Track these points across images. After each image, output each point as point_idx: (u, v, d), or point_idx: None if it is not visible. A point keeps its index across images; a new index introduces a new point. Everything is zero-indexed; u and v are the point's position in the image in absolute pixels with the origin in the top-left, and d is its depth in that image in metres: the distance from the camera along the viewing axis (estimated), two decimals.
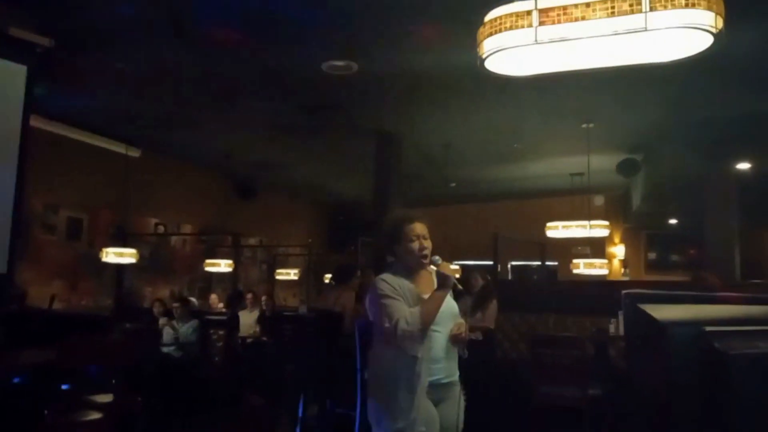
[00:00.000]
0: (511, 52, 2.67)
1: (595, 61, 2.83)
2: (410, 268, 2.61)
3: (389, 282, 2.53)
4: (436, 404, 2.51)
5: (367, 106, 6.98)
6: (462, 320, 2.66)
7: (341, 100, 6.69)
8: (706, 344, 1.05)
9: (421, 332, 2.41)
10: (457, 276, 2.67)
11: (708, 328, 1.07)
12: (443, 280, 2.55)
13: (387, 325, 2.43)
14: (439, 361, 2.53)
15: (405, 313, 2.42)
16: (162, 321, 7.06)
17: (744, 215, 8.25)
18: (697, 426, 1.01)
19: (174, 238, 10.01)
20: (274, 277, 11.98)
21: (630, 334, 1.05)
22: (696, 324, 1.07)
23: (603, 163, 8.58)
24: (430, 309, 2.46)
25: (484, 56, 2.73)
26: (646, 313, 1.04)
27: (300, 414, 5.42)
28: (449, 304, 2.60)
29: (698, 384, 1.03)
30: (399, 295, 2.49)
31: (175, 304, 7.17)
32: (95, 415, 3.48)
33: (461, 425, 2.61)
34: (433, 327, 2.48)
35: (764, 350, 1.11)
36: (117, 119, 7.65)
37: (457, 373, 2.63)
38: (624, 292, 1.05)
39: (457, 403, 2.59)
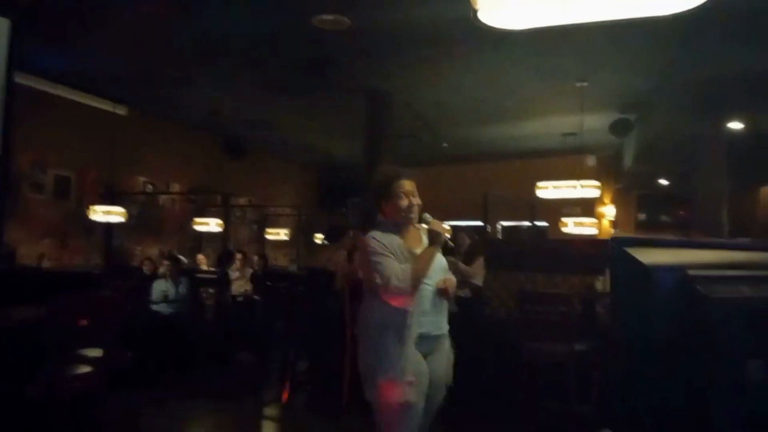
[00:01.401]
0: (505, 4, 2.61)
1: (592, 14, 2.77)
2: (399, 225, 2.61)
3: (379, 239, 2.53)
4: (425, 356, 2.53)
5: (358, 63, 6.87)
6: (451, 275, 2.67)
7: (331, 56, 6.59)
8: (689, 287, 1.05)
9: (412, 288, 2.42)
10: (448, 235, 2.68)
11: (692, 272, 1.08)
12: (434, 237, 2.55)
13: (378, 281, 2.44)
14: (428, 314, 2.55)
15: (396, 270, 2.43)
16: (162, 269, 7.07)
17: (734, 175, 8.29)
18: (678, 365, 1.02)
19: (163, 198, 9.95)
20: (264, 237, 12.00)
21: (616, 277, 1.05)
22: (680, 268, 1.08)
23: (596, 123, 8.55)
24: (421, 266, 2.48)
25: (477, 8, 2.67)
26: (633, 257, 1.04)
27: (290, 370, 5.49)
28: (438, 258, 2.61)
29: (681, 325, 1.04)
30: (389, 252, 2.49)
31: (166, 262, 7.17)
32: (85, 369, 3.51)
33: (450, 377, 2.65)
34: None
35: (745, 294, 1.12)
36: (104, 76, 7.51)
37: (447, 327, 2.65)
38: (612, 235, 1.06)
39: (446, 356, 2.63)
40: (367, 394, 2.54)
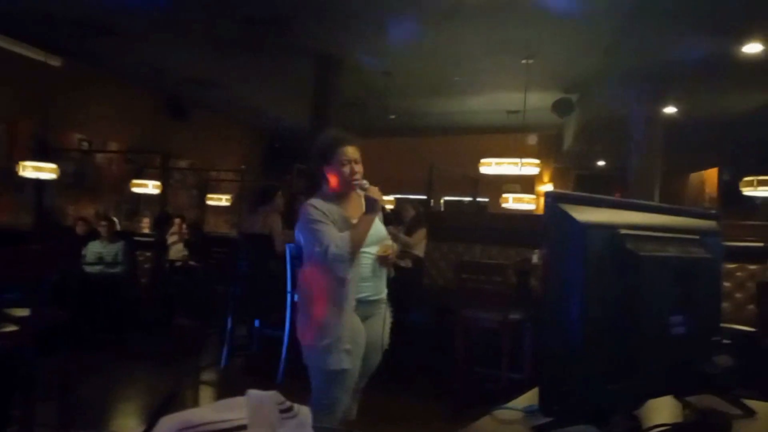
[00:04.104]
0: None
1: None
2: (340, 192, 2.59)
3: (319, 207, 2.51)
4: (363, 320, 2.56)
5: (307, 24, 6.73)
6: (390, 242, 2.69)
7: (280, 15, 6.43)
8: (620, 245, 1.09)
9: (350, 256, 2.43)
10: (390, 207, 2.68)
11: (623, 231, 1.12)
12: (371, 204, 2.54)
13: (317, 249, 2.44)
14: (367, 279, 2.57)
15: (335, 238, 2.43)
16: (101, 230, 6.83)
17: (667, 158, 8.64)
18: (606, 319, 1.07)
19: (100, 156, 9.58)
20: (204, 202, 11.74)
21: (549, 232, 1.08)
22: (612, 227, 1.12)
23: (539, 102, 8.70)
24: (359, 233, 2.48)
25: None
26: (566, 213, 1.07)
27: (228, 334, 5.45)
28: (378, 227, 2.61)
29: (610, 281, 1.08)
30: (329, 220, 2.49)
31: (103, 223, 6.94)
32: (11, 328, 3.37)
33: (387, 341, 2.69)
34: (362, 249, 2.51)
35: (671, 254, 1.18)
36: (35, 23, 7.08)
37: (385, 291, 2.68)
38: (546, 191, 1.08)
39: (383, 320, 2.66)
40: (305, 359, 2.56)
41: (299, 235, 2.59)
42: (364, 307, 2.56)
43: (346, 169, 2.54)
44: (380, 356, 2.69)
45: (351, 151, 2.56)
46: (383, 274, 2.66)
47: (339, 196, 2.59)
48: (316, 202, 2.54)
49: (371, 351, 2.62)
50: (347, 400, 2.56)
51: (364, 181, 2.58)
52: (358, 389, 2.68)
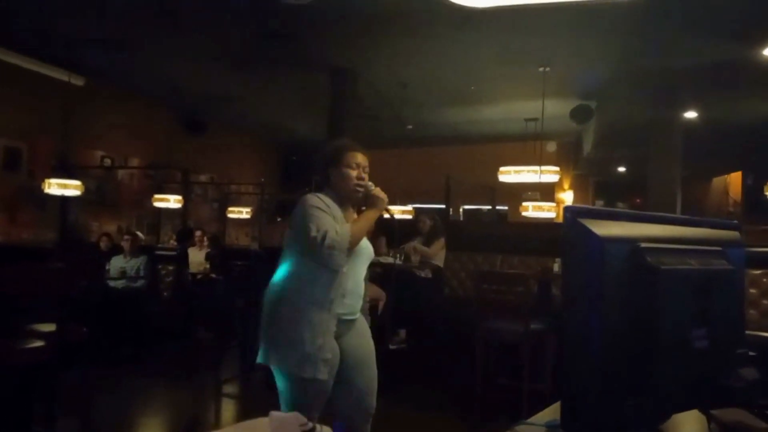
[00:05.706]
0: None
1: None
2: (342, 198, 2.49)
3: (321, 199, 2.41)
4: (337, 338, 2.42)
5: (322, 38, 6.80)
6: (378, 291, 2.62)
7: (295, 30, 6.50)
8: (640, 258, 1.08)
9: (348, 245, 2.32)
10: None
11: (642, 245, 1.11)
12: (374, 201, 2.47)
13: (313, 234, 2.28)
14: (345, 296, 2.43)
15: (334, 225, 2.32)
16: (124, 245, 6.94)
17: (688, 163, 8.55)
18: (626, 333, 1.06)
19: (121, 172, 9.72)
20: (225, 215, 11.85)
21: (568, 247, 1.08)
22: (631, 240, 1.11)
23: (557, 109, 8.66)
24: (360, 227, 2.41)
25: None
26: (585, 227, 1.06)
27: (249, 348, 5.47)
28: (366, 245, 2.53)
29: (630, 294, 1.07)
30: (329, 213, 2.38)
31: (126, 238, 7.04)
32: (37, 343, 3.42)
33: (372, 349, 2.58)
34: (348, 264, 2.38)
35: (692, 267, 1.17)
36: (58, 43, 7.23)
37: (360, 309, 2.57)
38: (565, 206, 1.08)
39: (359, 334, 2.55)
40: (272, 362, 2.38)
41: (293, 223, 2.43)
42: (339, 325, 2.42)
43: (353, 172, 2.47)
44: (375, 370, 2.56)
45: (360, 157, 2.50)
46: (362, 293, 2.55)
47: (341, 200, 2.49)
48: (319, 194, 2.45)
49: (362, 367, 2.51)
50: (316, 418, 2.35)
51: (370, 183, 2.51)
52: (371, 412, 2.56)
